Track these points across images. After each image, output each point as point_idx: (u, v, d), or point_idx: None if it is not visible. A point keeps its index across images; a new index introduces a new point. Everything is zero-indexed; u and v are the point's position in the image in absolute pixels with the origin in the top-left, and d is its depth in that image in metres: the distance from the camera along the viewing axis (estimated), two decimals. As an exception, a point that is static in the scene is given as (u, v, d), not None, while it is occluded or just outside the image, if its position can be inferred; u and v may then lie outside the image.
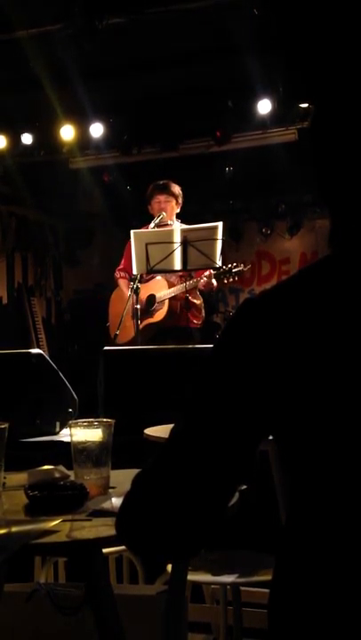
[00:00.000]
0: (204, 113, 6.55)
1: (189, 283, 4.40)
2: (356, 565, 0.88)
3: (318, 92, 0.98)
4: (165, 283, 4.59)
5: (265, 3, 4.72)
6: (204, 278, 4.38)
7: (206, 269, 4.40)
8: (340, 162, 0.95)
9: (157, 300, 4.54)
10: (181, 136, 6.92)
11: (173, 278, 4.61)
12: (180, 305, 4.58)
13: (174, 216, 4.66)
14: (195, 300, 4.54)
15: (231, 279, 4.44)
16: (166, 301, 4.55)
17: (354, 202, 0.94)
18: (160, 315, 4.55)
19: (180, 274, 4.55)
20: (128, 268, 4.73)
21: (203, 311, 4.68)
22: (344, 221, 0.96)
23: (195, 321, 4.58)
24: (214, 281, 4.40)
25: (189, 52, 5.63)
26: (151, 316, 4.51)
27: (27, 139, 6.85)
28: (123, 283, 4.76)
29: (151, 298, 4.55)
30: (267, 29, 4.89)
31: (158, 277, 4.56)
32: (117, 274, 4.81)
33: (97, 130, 6.68)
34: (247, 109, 6.35)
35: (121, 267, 4.79)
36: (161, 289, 4.57)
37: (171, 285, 4.59)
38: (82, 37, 5.00)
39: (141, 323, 4.40)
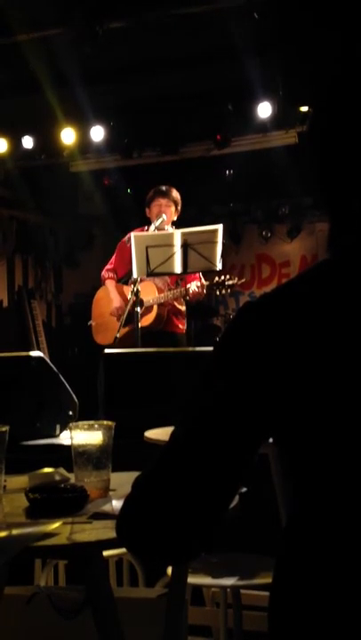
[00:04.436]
0: (204, 116, 6.57)
1: (179, 291, 4.41)
2: (357, 568, 0.88)
3: (317, 95, 0.99)
4: (154, 288, 4.58)
5: (265, 7, 4.73)
6: (196, 289, 4.38)
7: (195, 276, 4.41)
8: (338, 165, 0.95)
9: (145, 304, 4.53)
10: (182, 139, 6.93)
11: (161, 283, 4.61)
12: (167, 311, 4.59)
13: (171, 222, 4.67)
14: (180, 307, 4.56)
15: (224, 291, 4.46)
16: (155, 307, 4.55)
17: (352, 205, 0.95)
18: (148, 319, 4.54)
19: (169, 279, 4.56)
20: (118, 268, 4.73)
21: (185, 317, 4.69)
22: (342, 224, 0.97)
23: (180, 326, 4.60)
24: (204, 290, 4.41)
25: (190, 56, 5.65)
26: (138, 320, 4.48)
27: (27, 142, 6.86)
28: (110, 283, 4.74)
29: (139, 302, 4.53)
30: (267, 33, 4.91)
31: (147, 281, 4.55)
32: (105, 273, 4.79)
33: (97, 133, 6.69)
34: (247, 113, 6.37)
35: (110, 267, 4.78)
36: (149, 294, 4.56)
37: (159, 291, 4.58)
38: (82, 41, 5.01)
39: (127, 326, 4.39)
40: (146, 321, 4.52)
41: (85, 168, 7.46)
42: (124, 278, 4.74)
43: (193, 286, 4.39)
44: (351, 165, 0.94)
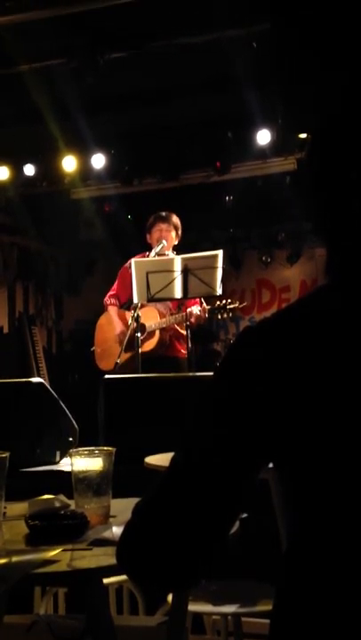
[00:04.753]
0: (204, 143, 6.62)
1: (181, 315, 4.43)
2: (357, 596, 0.88)
3: (315, 122, 1.00)
4: (156, 312, 4.60)
5: (264, 36, 4.80)
6: (198, 313, 4.39)
7: (196, 301, 4.43)
8: (334, 191, 0.97)
9: (148, 329, 4.54)
10: (182, 166, 6.98)
11: (163, 308, 4.63)
12: (169, 335, 4.60)
13: (172, 247, 4.70)
14: (182, 331, 4.57)
15: (226, 315, 4.47)
16: (157, 331, 4.56)
17: (349, 230, 0.96)
18: (150, 344, 4.55)
19: (171, 304, 4.58)
20: (120, 294, 4.75)
21: (189, 342, 4.70)
22: (340, 250, 0.98)
23: (182, 351, 4.60)
24: (206, 314, 4.43)
25: (189, 85, 5.71)
26: (140, 345, 4.50)
27: (29, 170, 6.92)
28: (112, 310, 4.77)
29: (141, 327, 4.55)
30: (265, 62, 4.97)
31: (149, 306, 4.57)
32: (108, 300, 4.82)
33: (98, 161, 6.75)
34: (247, 140, 6.42)
35: (112, 293, 4.81)
36: (151, 319, 4.58)
37: (161, 316, 4.60)
38: (84, 71, 5.07)
39: (128, 351, 4.40)
40: (148, 346, 4.53)
41: (86, 195, 7.52)
42: (127, 304, 4.76)
43: (195, 310, 4.41)
44: (347, 191, 0.95)
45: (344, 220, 0.96)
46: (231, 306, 4.45)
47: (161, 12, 4.69)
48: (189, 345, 4.66)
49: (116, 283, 4.83)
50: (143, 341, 4.51)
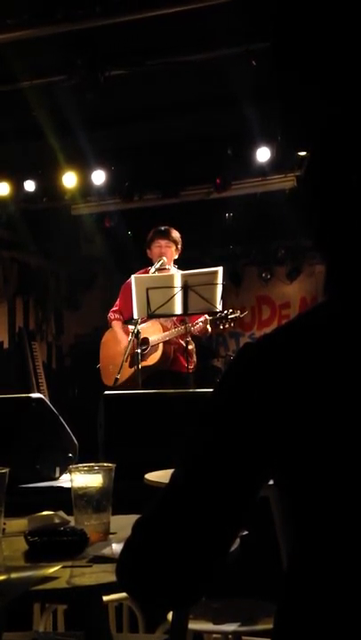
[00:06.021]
0: (204, 160, 6.66)
1: (183, 327, 4.43)
2: (358, 614, 0.87)
3: (315, 140, 1.01)
4: (160, 326, 4.61)
5: (263, 54, 4.83)
6: (200, 324, 4.40)
7: (201, 314, 4.43)
8: (335, 204, 0.97)
9: (151, 343, 4.54)
10: (182, 183, 7.02)
11: (167, 322, 4.63)
12: (173, 349, 4.59)
13: (172, 261, 4.72)
14: (189, 346, 4.57)
15: (227, 325, 4.47)
16: (160, 345, 4.56)
17: (349, 244, 0.96)
18: (153, 358, 4.54)
19: (175, 318, 4.58)
20: (123, 310, 4.76)
21: (195, 356, 4.69)
22: (339, 264, 0.98)
23: (188, 366, 4.60)
24: (209, 326, 4.43)
25: (189, 102, 5.75)
26: (144, 360, 4.50)
27: (29, 186, 6.95)
28: (116, 324, 4.77)
29: (144, 341, 4.56)
30: (265, 80, 5.00)
31: (152, 320, 4.57)
32: (111, 315, 4.82)
33: (99, 177, 6.78)
34: (246, 157, 6.46)
35: (115, 308, 4.82)
36: (155, 332, 4.58)
37: (165, 329, 4.60)
38: (84, 88, 5.11)
39: (133, 367, 4.40)
40: (152, 360, 4.53)
41: (87, 211, 7.55)
42: (131, 319, 4.76)
43: (199, 322, 4.42)
44: (346, 207, 0.95)
45: (344, 233, 0.96)
46: (232, 315, 4.44)
47: (161, 30, 4.73)
48: (195, 359, 4.65)
49: (118, 299, 4.84)
50: (147, 355, 4.51)
